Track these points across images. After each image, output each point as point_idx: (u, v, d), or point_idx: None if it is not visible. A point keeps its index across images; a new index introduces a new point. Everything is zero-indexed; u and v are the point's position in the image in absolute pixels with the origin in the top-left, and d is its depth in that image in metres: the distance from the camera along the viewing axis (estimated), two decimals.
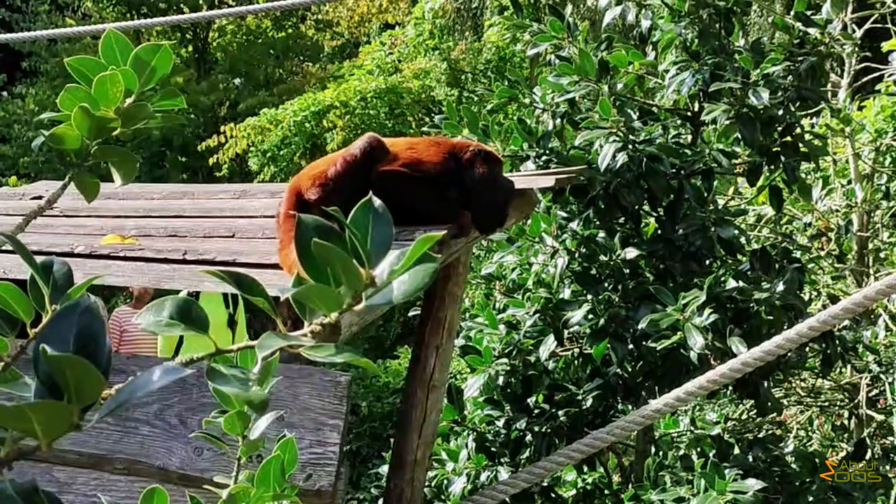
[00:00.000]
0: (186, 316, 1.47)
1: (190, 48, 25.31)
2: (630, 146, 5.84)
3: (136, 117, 1.76)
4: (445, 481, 6.13)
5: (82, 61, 1.71)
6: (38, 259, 1.48)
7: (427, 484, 5.91)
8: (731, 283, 5.66)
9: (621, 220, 6.19)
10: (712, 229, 5.92)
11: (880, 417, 8.04)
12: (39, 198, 5.95)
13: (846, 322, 6.68)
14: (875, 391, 8.22)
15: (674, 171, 5.98)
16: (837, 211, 8.38)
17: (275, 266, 4.05)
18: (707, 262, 6.12)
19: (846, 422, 8.29)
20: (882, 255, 8.84)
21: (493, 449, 6.15)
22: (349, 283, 1.40)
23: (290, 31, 25.63)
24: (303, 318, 1.50)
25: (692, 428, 6.53)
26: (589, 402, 6.07)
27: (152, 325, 1.47)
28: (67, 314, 1.18)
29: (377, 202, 1.51)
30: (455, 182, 4.64)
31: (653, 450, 6.34)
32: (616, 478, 6.77)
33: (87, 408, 1.13)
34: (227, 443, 2.09)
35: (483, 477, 6.03)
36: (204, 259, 4.27)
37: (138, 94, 1.75)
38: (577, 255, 6.09)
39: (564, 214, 6.23)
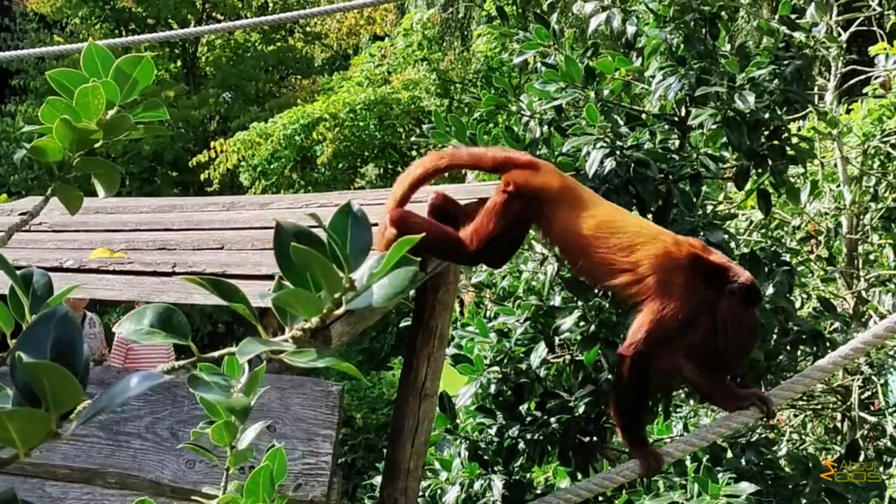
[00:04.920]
0: (167, 324, 1.48)
1: (179, 63, 25.31)
2: (618, 152, 5.85)
3: (117, 129, 1.76)
4: (439, 491, 6.13)
5: (64, 74, 1.72)
6: (19, 271, 1.48)
7: (421, 494, 5.91)
8: None
9: None
10: (701, 234, 5.93)
11: (873, 419, 8.05)
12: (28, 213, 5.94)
13: (837, 324, 6.70)
14: (867, 393, 8.23)
15: (662, 176, 5.99)
16: (826, 214, 8.40)
17: (264, 277, 4.05)
18: None
19: (839, 424, 8.30)
20: (872, 257, 8.86)
21: (486, 457, 6.15)
22: (329, 288, 1.41)
23: (279, 44, 25.64)
24: (284, 323, 1.50)
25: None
26: (581, 409, 6.08)
27: (133, 333, 1.47)
28: (44, 323, 1.18)
29: (356, 207, 1.51)
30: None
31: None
32: None
33: (66, 415, 1.14)
34: (218, 454, 2.09)
35: (477, 486, 6.03)
36: (193, 271, 4.26)
37: (120, 105, 1.76)
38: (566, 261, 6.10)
39: None
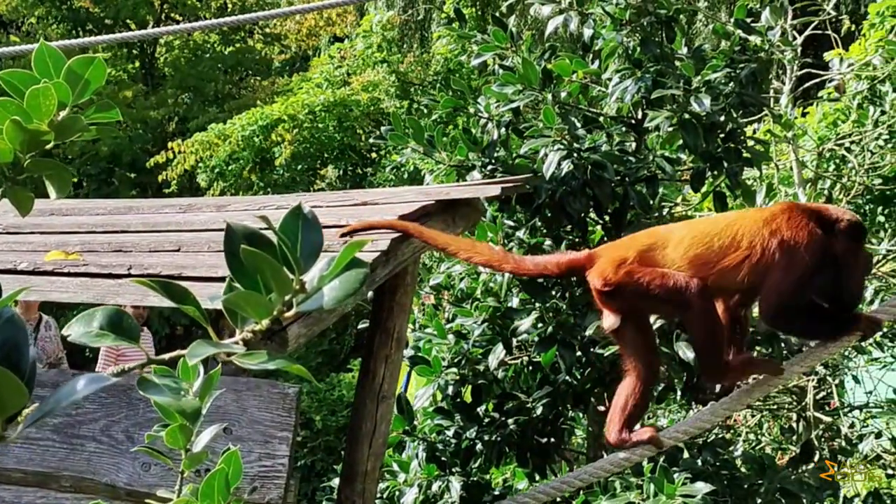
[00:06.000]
0: (117, 326, 1.47)
1: (137, 64, 25.16)
2: (575, 154, 5.87)
3: (69, 130, 1.75)
4: (397, 492, 6.13)
5: (15, 75, 1.71)
6: None
7: (379, 495, 5.91)
8: None
9: (568, 227, 6.22)
10: None
11: (828, 419, 8.13)
12: None
13: None
14: (822, 393, 8.31)
15: (618, 178, 6.02)
16: None
17: (221, 279, 4.03)
18: None
19: (794, 424, 8.38)
20: None
21: (443, 459, 6.15)
22: (279, 290, 1.41)
23: (238, 45, 25.55)
24: (235, 325, 1.50)
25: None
26: (539, 410, 6.09)
27: (82, 336, 1.46)
28: None
29: (307, 209, 1.51)
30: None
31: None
32: None
33: (12, 419, 1.13)
34: (174, 458, 2.08)
35: (435, 487, 6.03)
36: (149, 273, 4.25)
37: (75, 106, 1.75)
38: None
39: (511, 223, 6.25)
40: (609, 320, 4.14)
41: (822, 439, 8.06)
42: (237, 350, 1.43)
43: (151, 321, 18.05)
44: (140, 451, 2.12)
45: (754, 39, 6.25)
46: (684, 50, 6.34)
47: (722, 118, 6.05)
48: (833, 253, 4.01)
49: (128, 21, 24.19)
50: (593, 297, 4.15)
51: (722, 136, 6.13)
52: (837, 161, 9.04)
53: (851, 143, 8.91)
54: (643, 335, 4.26)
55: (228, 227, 1.44)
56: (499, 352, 6.01)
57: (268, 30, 26.00)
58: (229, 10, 25.13)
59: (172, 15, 25.43)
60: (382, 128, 6.69)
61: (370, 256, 4.09)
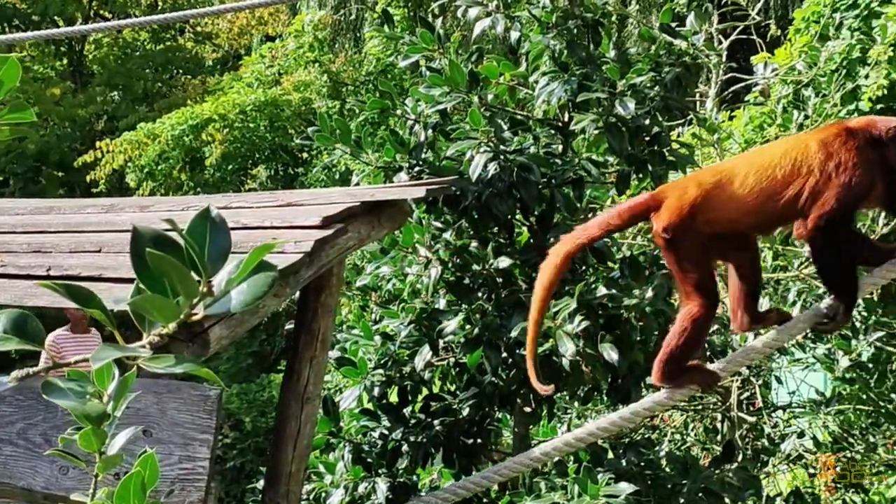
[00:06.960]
0: (21, 330, 1.46)
1: (65, 61, 24.85)
2: (501, 156, 5.90)
3: None
4: (323, 494, 6.11)
5: None
6: None
7: (305, 497, 5.89)
8: (602, 290, 5.74)
9: (494, 229, 6.25)
10: None
11: (752, 419, 8.24)
12: None
13: (715, 326, 6.84)
14: (747, 393, 8.42)
15: (545, 180, 6.05)
16: None
17: None
18: (578, 269, 6.20)
19: (719, 424, 8.48)
20: None
21: (369, 460, 6.15)
22: (186, 293, 1.40)
23: (168, 43, 25.34)
24: (142, 329, 1.49)
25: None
26: (465, 411, 6.11)
27: None
28: None
29: (215, 212, 1.50)
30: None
31: None
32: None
33: None
34: (90, 461, 2.06)
35: (361, 488, 6.03)
36: (69, 275, 4.20)
37: None
38: (450, 265, 6.13)
39: (438, 225, 6.26)
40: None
41: (746, 439, 8.17)
42: (143, 354, 1.42)
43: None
44: (56, 455, 2.09)
45: (679, 44, 6.31)
46: (611, 53, 6.39)
47: (647, 122, 6.11)
48: (888, 162, 4.02)
49: (56, 18, 23.88)
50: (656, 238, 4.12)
51: (647, 139, 6.19)
52: None
53: None
54: (706, 265, 4.13)
55: (135, 229, 1.43)
56: (425, 353, 6.02)
57: (199, 28, 25.82)
58: (160, 7, 24.93)
59: (102, 12, 25.16)
60: (310, 128, 6.66)
61: (294, 258, 4.07)
